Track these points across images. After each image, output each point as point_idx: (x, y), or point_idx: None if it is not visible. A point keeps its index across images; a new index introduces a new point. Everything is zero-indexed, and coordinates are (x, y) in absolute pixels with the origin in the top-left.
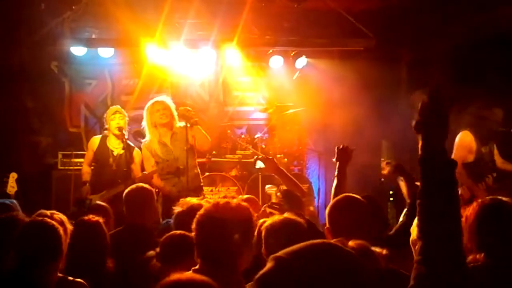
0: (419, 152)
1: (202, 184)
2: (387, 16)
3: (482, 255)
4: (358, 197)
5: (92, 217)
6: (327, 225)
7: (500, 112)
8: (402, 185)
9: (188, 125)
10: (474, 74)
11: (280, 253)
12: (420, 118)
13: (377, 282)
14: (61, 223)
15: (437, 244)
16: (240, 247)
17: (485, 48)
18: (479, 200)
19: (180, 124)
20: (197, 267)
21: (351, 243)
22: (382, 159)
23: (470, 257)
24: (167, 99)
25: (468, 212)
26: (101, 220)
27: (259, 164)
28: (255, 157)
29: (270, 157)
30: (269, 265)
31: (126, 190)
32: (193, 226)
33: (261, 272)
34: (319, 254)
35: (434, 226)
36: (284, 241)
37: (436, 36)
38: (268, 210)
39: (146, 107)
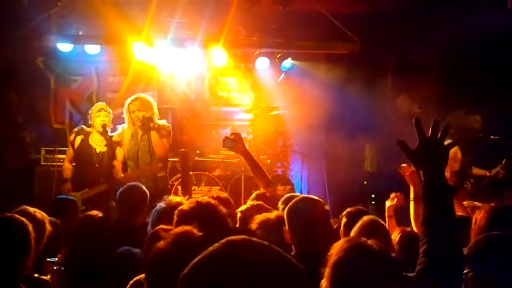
0: (422, 179)
1: (169, 186)
2: (373, 20)
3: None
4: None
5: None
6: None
7: (479, 118)
8: None
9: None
10: (457, 79)
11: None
12: (418, 150)
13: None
14: (41, 221)
15: (439, 263)
16: None
17: (469, 53)
18: (491, 205)
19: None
20: None
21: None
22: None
23: None
24: (146, 96)
25: (478, 215)
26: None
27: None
28: (225, 136)
29: (241, 137)
30: None
31: (122, 189)
32: None
33: None
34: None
35: (436, 248)
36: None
37: (421, 41)
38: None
39: (126, 103)
